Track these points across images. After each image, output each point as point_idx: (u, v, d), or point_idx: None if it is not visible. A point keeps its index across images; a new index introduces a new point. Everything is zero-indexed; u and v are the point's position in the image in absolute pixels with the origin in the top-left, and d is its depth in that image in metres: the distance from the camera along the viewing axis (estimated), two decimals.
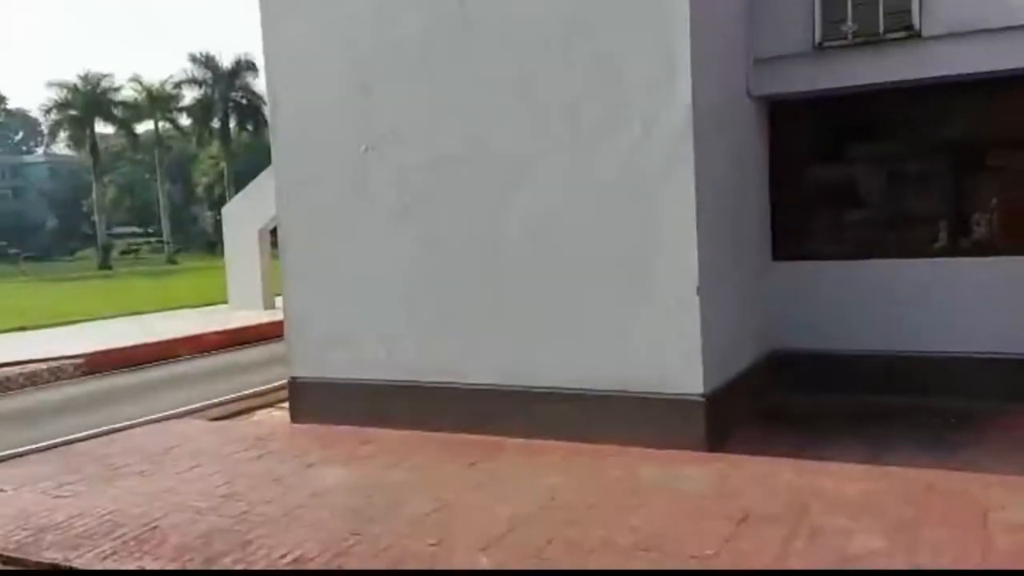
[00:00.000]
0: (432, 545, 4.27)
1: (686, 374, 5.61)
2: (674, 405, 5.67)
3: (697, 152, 5.51)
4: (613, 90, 5.74)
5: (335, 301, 7.06)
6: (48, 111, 51.37)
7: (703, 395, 5.64)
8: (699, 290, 5.55)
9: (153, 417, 8.16)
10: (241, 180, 32.28)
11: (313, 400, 7.16)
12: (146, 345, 12.69)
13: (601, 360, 5.91)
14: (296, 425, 7.24)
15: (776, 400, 7.12)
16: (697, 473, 5.20)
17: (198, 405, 8.70)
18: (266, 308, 16.83)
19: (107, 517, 4.92)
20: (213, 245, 43.42)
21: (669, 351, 5.66)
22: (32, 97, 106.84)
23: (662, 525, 4.38)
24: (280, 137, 7.33)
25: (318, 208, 7.11)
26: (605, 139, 5.79)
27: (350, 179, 6.90)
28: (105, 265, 49.72)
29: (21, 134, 76.54)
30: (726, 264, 6.31)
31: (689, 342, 5.59)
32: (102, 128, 52.66)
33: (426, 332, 6.62)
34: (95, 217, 53.49)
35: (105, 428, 7.75)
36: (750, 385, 6.76)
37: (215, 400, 8.91)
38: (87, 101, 50.00)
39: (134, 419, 8.14)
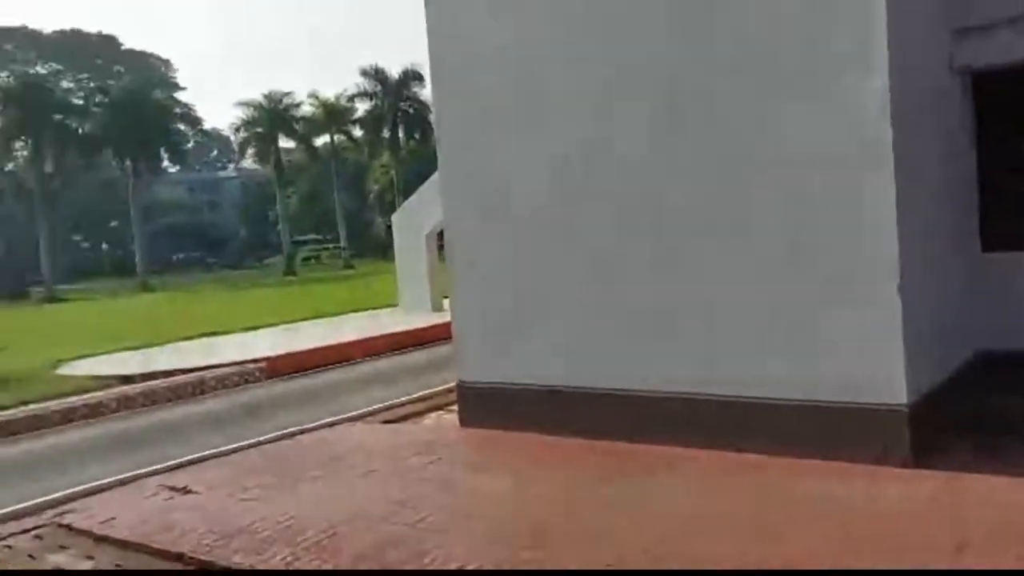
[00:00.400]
0: (609, 565, 4.04)
1: (886, 381, 5.05)
2: (872, 415, 5.12)
3: (896, 133, 4.94)
4: (800, 67, 5.26)
5: (503, 305, 6.97)
6: (237, 129, 55.50)
7: (906, 404, 5.06)
8: (901, 287, 4.98)
9: (328, 420, 8.42)
10: (410, 187, 33.38)
11: (482, 404, 7.11)
12: (322, 349, 13.26)
13: (787, 366, 5.43)
14: (466, 429, 7.22)
15: (987, 408, 6.32)
16: (901, 493, 4.66)
17: (371, 408, 8.90)
18: (434, 310, 17.21)
19: (289, 522, 5.03)
20: (385, 250, 45.30)
21: (867, 356, 5.11)
22: (223, 117, 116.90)
23: (863, 554, 3.92)
24: (445, 145, 7.36)
25: (483, 213, 7.05)
26: (790, 122, 5.32)
27: (514, 184, 6.79)
28: (290, 271, 53.00)
29: (215, 152, 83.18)
30: (930, 256, 5.65)
31: (890, 346, 5.03)
32: (285, 143, 56.32)
33: (597, 336, 6.39)
34: (280, 227, 57.22)
35: (284, 431, 8.07)
36: (958, 391, 6.04)
37: (387, 403, 9.09)
38: (271, 118, 53.57)
39: (311, 422, 8.45)
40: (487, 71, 6.88)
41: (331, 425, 8.16)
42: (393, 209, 27.59)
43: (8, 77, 56.92)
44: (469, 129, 7.09)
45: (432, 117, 7.64)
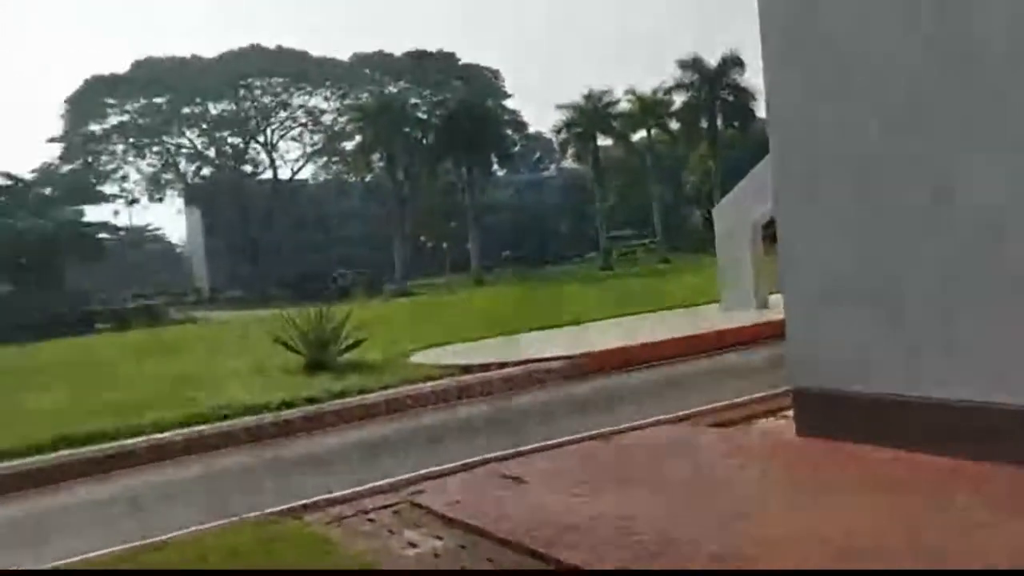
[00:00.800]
0: None
1: None
2: None
3: None
4: None
5: (847, 304, 6.34)
6: (558, 131, 58.20)
7: None
8: None
9: (652, 420, 8.33)
10: (728, 177, 32.49)
11: (821, 412, 6.54)
12: (643, 345, 13.24)
13: None
14: (802, 439, 6.70)
15: None
16: None
17: (696, 410, 8.66)
18: (759, 308, 16.45)
19: (622, 524, 4.98)
20: (702, 243, 44.66)
21: None
22: (546, 120, 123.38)
23: None
24: (778, 130, 6.88)
25: (824, 202, 6.48)
26: None
27: (863, 169, 6.14)
28: (607, 266, 54.35)
29: (538, 154, 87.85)
30: None
31: None
32: (602, 140, 57.88)
33: (965, 341, 5.55)
34: (597, 223, 58.97)
35: (609, 428, 8.12)
36: None
37: (713, 405, 8.79)
38: (589, 118, 55.36)
39: (635, 420, 8.42)
40: (827, 49, 6.32)
41: (655, 425, 8.06)
42: (710, 201, 27.07)
43: (367, 98, 65.07)
44: (805, 112, 6.57)
45: (753, 104, 7.22)
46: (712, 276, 19.14)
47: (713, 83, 52.43)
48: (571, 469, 6.47)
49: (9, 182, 62.46)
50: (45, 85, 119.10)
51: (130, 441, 9.50)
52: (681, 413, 8.53)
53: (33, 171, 66.39)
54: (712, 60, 52.52)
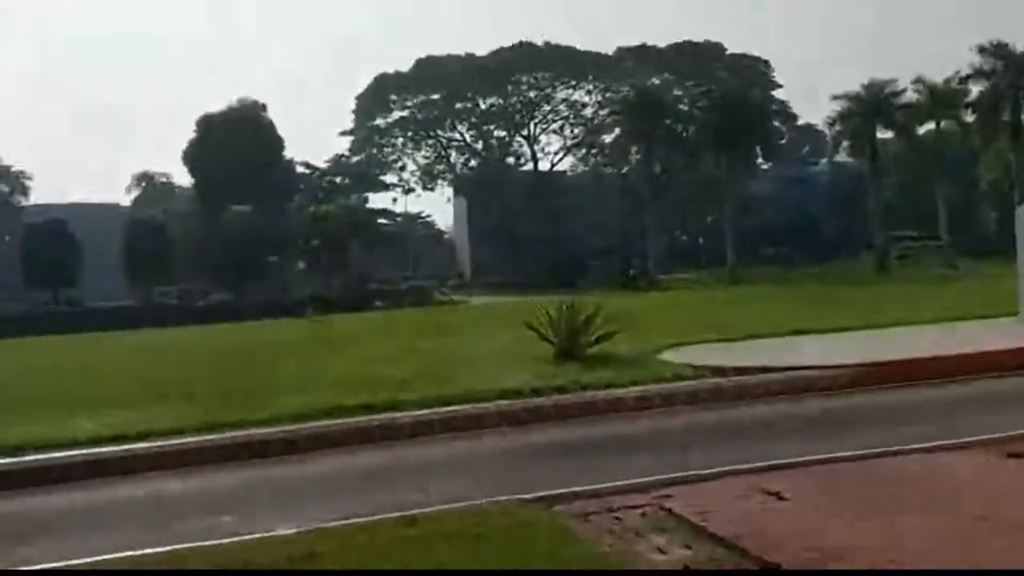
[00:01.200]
0: None
1: None
2: None
3: None
4: None
5: None
6: (832, 123, 54.44)
7: None
8: None
9: (937, 443, 7.42)
10: None
11: None
12: (926, 359, 11.92)
13: None
14: None
15: None
16: None
17: (987, 436, 7.58)
18: None
19: (891, 558, 4.46)
20: (998, 249, 39.47)
21: None
22: (818, 112, 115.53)
23: None
24: None
25: None
26: None
27: None
28: (882, 269, 50.01)
29: (807, 147, 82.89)
30: None
31: None
32: (882, 133, 53.34)
33: None
34: (872, 221, 54.52)
35: (880, 449, 7.35)
36: None
37: (1010, 432, 7.65)
38: (868, 109, 51.24)
39: (908, 442, 7.56)
40: None
41: (940, 449, 7.18)
42: (1010, 201, 23.79)
43: (628, 91, 65.07)
44: None
45: None
46: (1010, 286, 16.88)
47: (1018, 71, 46.31)
48: (839, 490, 5.94)
49: (307, 171, 70.28)
50: (339, 83, 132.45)
51: (397, 415, 10.15)
52: (971, 439, 7.52)
53: (326, 161, 74.14)
54: (1018, 45, 46.42)
